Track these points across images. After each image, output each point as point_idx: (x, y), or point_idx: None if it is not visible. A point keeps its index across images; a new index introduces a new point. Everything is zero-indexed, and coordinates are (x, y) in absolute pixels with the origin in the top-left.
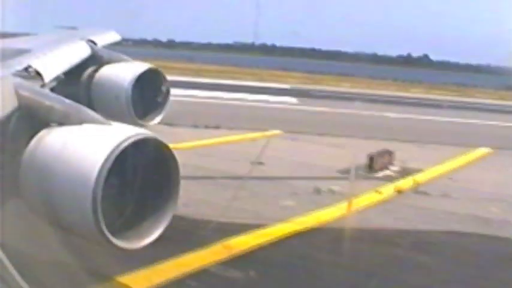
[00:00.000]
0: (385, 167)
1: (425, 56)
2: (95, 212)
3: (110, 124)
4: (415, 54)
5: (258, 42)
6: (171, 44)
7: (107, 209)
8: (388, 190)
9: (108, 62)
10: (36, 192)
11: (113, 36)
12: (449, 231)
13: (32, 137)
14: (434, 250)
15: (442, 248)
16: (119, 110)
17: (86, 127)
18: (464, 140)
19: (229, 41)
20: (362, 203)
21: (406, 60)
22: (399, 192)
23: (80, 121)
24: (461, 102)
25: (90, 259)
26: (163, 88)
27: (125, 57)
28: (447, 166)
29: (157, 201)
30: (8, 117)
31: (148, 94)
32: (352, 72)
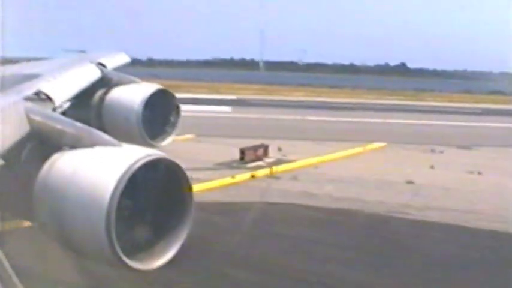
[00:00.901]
0: (258, 159)
1: (403, 64)
2: (108, 234)
3: (121, 146)
4: (393, 63)
5: (237, 57)
6: (151, 63)
7: (119, 231)
8: (244, 176)
9: (118, 84)
10: (49, 215)
11: (122, 58)
12: (270, 202)
13: (44, 160)
14: (239, 214)
15: (250, 211)
16: (130, 132)
17: (98, 150)
18: (368, 137)
19: (209, 57)
20: (215, 185)
21: (383, 69)
22: (253, 177)
23: (92, 144)
24: (401, 104)
25: None
26: (174, 109)
27: (134, 78)
28: (325, 157)
29: (170, 222)
30: (20, 142)
31: (158, 115)
32: (330, 83)
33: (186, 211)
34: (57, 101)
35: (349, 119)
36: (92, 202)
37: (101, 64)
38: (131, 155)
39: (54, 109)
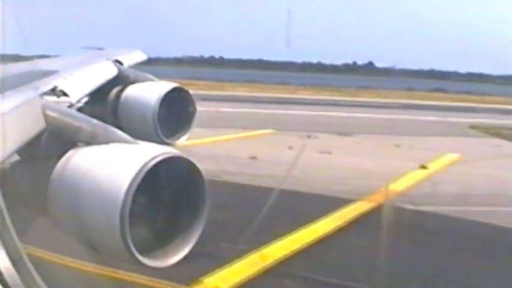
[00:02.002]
0: None
1: (370, 64)
2: (122, 230)
3: (136, 143)
4: (360, 62)
5: (206, 55)
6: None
7: (134, 228)
8: None
9: (134, 82)
10: (65, 211)
11: (139, 56)
12: None
13: (60, 156)
14: None
15: None
16: (145, 129)
17: (113, 147)
18: (264, 125)
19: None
20: None
21: (351, 68)
22: None
23: (107, 141)
24: (328, 100)
25: None
26: (190, 107)
27: (151, 76)
28: (207, 140)
29: (184, 219)
30: (36, 138)
31: (174, 113)
32: (285, 80)
33: (200, 209)
34: (74, 98)
35: (261, 111)
36: (106, 198)
37: (117, 61)
38: (146, 153)
39: (70, 106)
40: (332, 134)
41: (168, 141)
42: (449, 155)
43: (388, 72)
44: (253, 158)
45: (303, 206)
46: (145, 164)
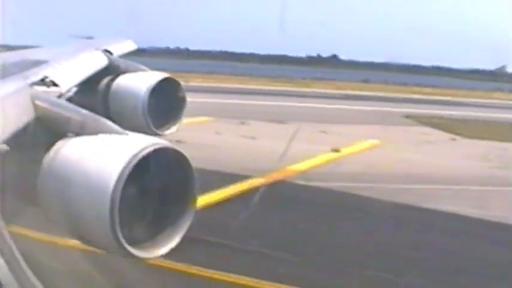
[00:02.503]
0: None
1: (334, 56)
2: (112, 221)
3: (126, 134)
4: (325, 54)
5: (172, 46)
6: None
7: (123, 219)
8: None
9: (125, 72)
10: (54, 202)
11: (129, 46)
12: None
13: (49, 147)
14: None
15: None
16: (135, 120)
17: (103, 137)
18: (202, 113)
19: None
20: None
21: (315, 60)
22: None
23: (97, 131)
24: (276, 90)
25: None
26: (181, 98)
27: (142, 66)
28: None
29: (174, 210)
30: (25, 128)
31: (164, 103)
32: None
33: (189, 200)
34: (64, 88)
35: (209, 100)
36: (96, 189)
37: (107, 51)
38: (137, 143)
39: (60, 96)
40: (267, 122)
41: (158, 131)
42: (370, 140)
43: (351, 64)
44: (178, 141)
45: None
46: (135, 155)
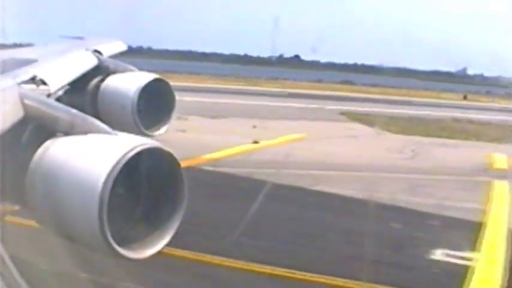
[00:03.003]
0: None
1: (296, 57)
2: (101, 222)
3: (115, 134)
4: (287, 55)
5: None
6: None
7: (112, 219)
8: None
9: (114, 72)
10: (42, 202)
11: (119, 46)
12: None
13: (38, 146)
14: None
15: None
16: (125, 120)
17: (92, 137)
18: None
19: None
20: None
21: (278, 61)
22: None
23: (86, 131)
24: (226, 88)
25: None
26: (170, 98)
27: (131, 67)
28: None
29: (162, 211)
30: (15, 127)
31: (154, 104)
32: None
33: (178, 201)
34: (53, 87)
35: None
36: (84, 189)
37: (97, 51)
38: (125, 143)
39: (49, 95)
40: (204, 117)
41: (147, 132)
42: (295, 134)
43: (313, 65)
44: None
45: None
46: (124, 155)
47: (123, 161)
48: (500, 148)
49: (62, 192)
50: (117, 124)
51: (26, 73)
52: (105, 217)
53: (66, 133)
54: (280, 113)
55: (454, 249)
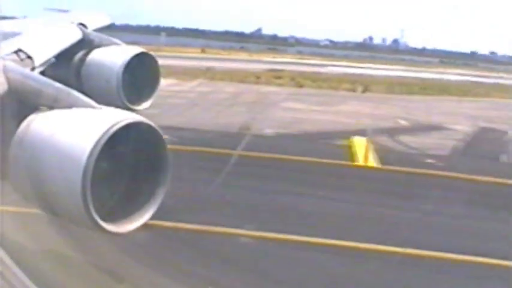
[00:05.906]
0: None
1: (258, 30)
2: (84, 196)
3: (100, 108)
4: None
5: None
6: None
7: (96, 193)
8: None
9: (99, 46)
10: (25, 176)
11: (104, 20)
12: None
13: (21, 120)
14: None
15: None
16: (109, 94)
17: (76, 111)
18: None
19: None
20: None
21: (241, 36)
22: None
23: (70, 105)
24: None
25: None
26: (155, 72)
27: (116, 40)
28: None
29: (146, 185)
30: None
31: (139, 78)
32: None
33: (162, 175)
34: (37, 61)
35: None
36: (68, 163)
37: (82, 25)
38: (109, 118)
39: (33, 68)
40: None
41: (131, 106)
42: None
43: (274, 39)
44: None
45: None
46: (108, 129)
47: (107, 135)
48: None
49: (45, 166)
50: (102, 98)
51: (10, 46)
52: (88, 192)
53: (50, 107)
54: None
55: None
